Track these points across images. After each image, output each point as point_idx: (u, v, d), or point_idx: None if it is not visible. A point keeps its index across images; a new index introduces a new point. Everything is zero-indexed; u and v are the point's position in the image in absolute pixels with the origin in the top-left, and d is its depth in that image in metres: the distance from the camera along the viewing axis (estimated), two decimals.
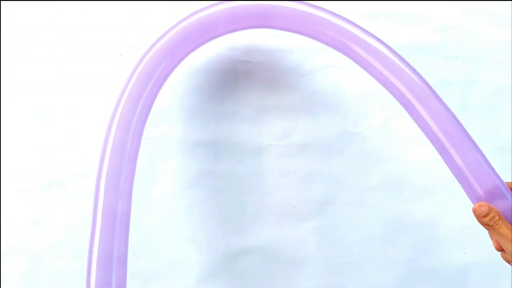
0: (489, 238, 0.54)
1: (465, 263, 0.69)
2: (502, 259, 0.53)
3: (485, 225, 0.50)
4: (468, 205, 0.52)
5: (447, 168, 0.53)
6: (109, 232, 0.52)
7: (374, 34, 0.57)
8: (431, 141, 0.54)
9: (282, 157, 0.71)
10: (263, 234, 0.70)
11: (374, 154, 0.70)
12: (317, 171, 0.70)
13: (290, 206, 0.70)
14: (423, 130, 0.54)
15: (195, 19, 0.58)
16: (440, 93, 0.54)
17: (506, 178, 0.68)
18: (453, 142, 0.52)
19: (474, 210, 0.51)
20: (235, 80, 0.71)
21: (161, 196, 0.70)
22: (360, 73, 0.70)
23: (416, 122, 0.55)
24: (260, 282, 0.70)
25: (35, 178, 0.70)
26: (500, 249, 0.52)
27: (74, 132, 0.70)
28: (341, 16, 0.58)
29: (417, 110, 0.53)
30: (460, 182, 0.53)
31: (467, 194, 0.53)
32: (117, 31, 0.71)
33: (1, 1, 0.71)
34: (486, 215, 0.50)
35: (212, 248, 0.70)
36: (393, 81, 0.54)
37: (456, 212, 0.69)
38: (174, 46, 0.57)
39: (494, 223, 0.50)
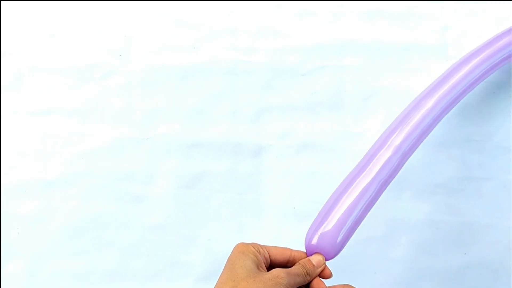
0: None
1: (465, 263, 0.69)
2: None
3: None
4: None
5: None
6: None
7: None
8: None
9: (282, 157, 0.70)
10: (263, 234, 0.70)
11: None
12: (317, 171, 0.70)
13: (290, 206, 0.70)
14: None
15: None
16: None
17: (506, 178, 0.68)
18: None
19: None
20: (235, 80, 0.71)
21: (161, 196, 0.70)
22: (360, 73, 0.70)
23: None
24: None
25: (35, 178, 0.70)
26: None
27: (73, 132, 0.70)
28: None
29: None
30: None
31: None
32: (117, 31, 0.71)
33: (1, 1, 0.71)
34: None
35: (212, 248, 0.69)
36: None
37: (456, 212, 0.69)
38: None
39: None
